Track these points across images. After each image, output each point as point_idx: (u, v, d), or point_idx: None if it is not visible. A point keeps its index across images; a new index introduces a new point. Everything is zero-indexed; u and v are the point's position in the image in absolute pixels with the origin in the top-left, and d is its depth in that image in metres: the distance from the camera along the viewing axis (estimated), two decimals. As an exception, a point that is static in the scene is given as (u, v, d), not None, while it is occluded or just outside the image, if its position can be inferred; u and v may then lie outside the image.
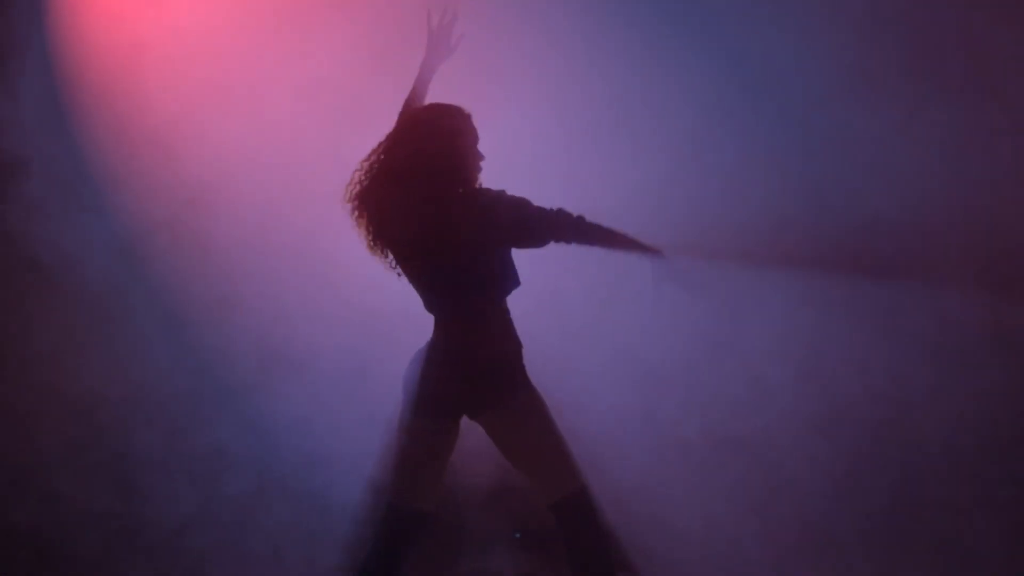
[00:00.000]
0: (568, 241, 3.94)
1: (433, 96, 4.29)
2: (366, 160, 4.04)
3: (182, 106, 5.45)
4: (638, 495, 5.36)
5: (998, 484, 5.34)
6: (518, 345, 4.05)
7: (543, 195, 4.11)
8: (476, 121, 4.09)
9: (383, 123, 4.32)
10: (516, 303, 4.12)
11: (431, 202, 3.89)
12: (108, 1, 5.42)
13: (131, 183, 5.44)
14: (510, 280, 4.00)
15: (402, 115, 4.11)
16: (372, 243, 4.01)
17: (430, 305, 4.04)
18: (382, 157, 3.99)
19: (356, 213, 4.02)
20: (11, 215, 5.33)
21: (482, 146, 4.11)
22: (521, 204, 3.91)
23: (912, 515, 5.36)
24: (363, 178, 4.01)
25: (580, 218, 3.92)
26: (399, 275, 4.08)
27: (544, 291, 5.28)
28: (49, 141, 5.34)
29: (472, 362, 3.96)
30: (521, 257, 4.07)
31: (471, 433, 4.24)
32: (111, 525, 5.32)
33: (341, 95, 5.49)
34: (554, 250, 5.02)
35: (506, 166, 4.26)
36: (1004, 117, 5.37)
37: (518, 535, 5.44)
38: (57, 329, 5.35)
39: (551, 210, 3.92)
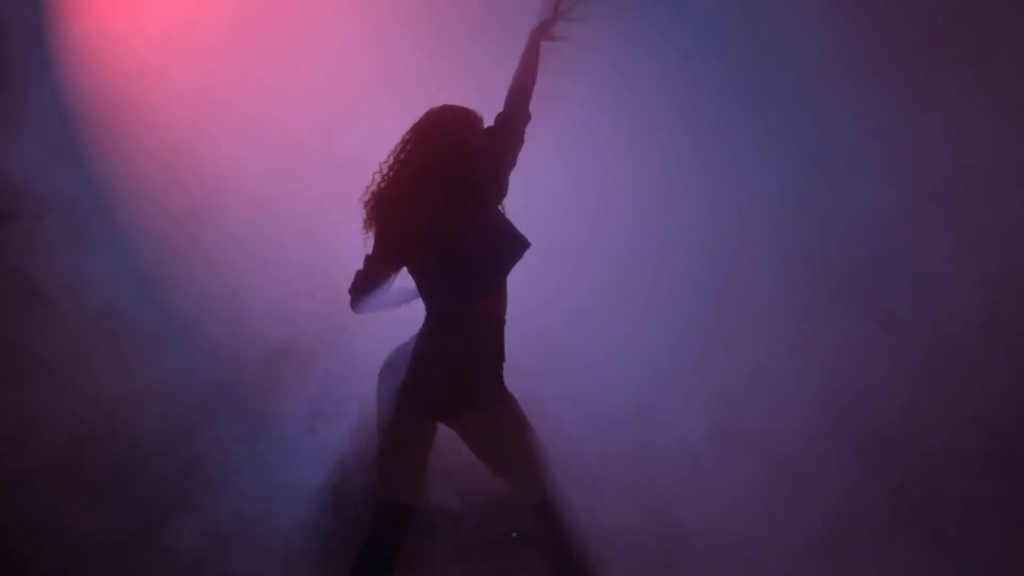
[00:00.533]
0: (520, 108, 3.96)
1: (437, 94, 4.29)
2: (384, 163, 4.06)
3: (180, 116, 5.43)
4: (639, 493, 5.36)
5: (1003, 480, 5.34)
6: (500, 356, 4.06)
7: (544, 193, 4.11)
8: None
9: (376, 122, 4.32)
10: (517, 302, 4.11)
11: (443, 199, 3.92)
12: (104, 23, 5.40)
13: (133, 193, 5.41)
14: (516, 243, 4.00)
15: (418, 122, 4.11)
16: (384, 246, 4.02)
17: (436, 301, 4.05)
18: (396, 163, 4.02)
19: (369, 217, 4.03)
20: (15, 228, 5.32)
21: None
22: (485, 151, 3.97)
23: (916, 511, 5.37)
24: (379, 183, 4.03)
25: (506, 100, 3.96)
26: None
27: (545, 290, 5.28)
28: (52, 157, 5.33)
29: (456, 363, 3.98)
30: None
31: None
32: (120, 524, 5.31)
33: (333, 95, 5.48)
34: (554, 248, 5.05)
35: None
36: (1006, 111, 5.37)
37: (515, 535, 5.45)
38: (66, 335, 5.33)
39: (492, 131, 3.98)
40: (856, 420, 5.45)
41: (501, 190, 4.00)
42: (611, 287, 5.45)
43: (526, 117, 4.02)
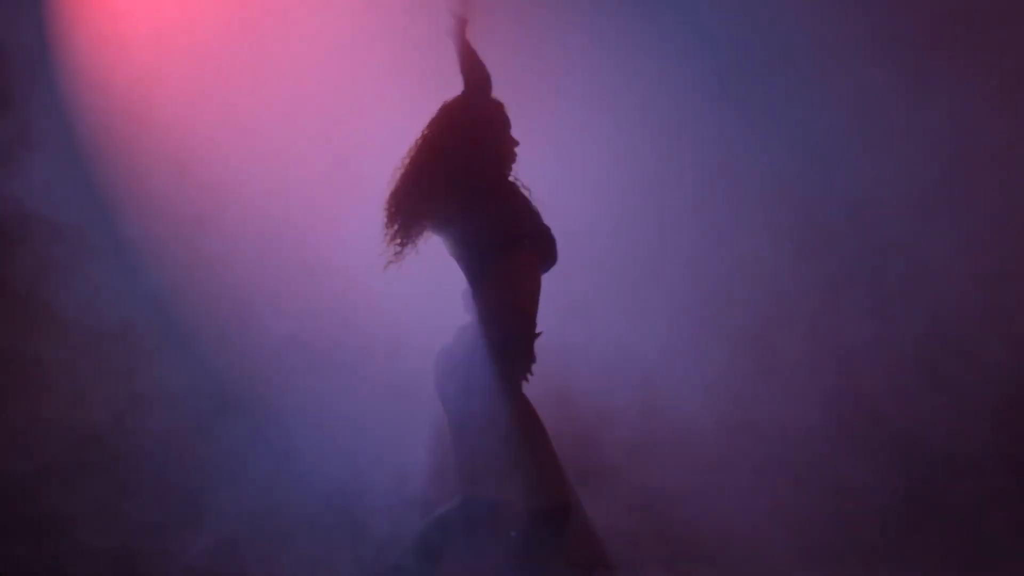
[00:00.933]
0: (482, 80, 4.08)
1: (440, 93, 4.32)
2: (404, 157, 4.07)
3: (181, 119, 5.42)
4: (643, 490, 5.35)
5: (1010, 476, 5.36)
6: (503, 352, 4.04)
7: (545, 187, 4.15)
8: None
9: (377, 121, 4.32)
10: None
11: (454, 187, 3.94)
12: (105, 36, 5.39)
13: (137, 197, 5.40)
14: (504, 234, 4.01)
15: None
16: (403, 238, 4.03)
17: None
18: (410, 158, 4.04)
19: (389, 214, 4.04)
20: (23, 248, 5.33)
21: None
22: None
23: (921, 507, 5.37)
24: (396, 180, 4.05)
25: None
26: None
27: (548, 284, 5.25)
28: (58, 174, 5.33)
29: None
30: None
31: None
32: (130, 521, 5.29)
33: (334, 95, 5.47)
34: (558, 244, 5.03)
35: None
36: (1004, 105, 5.38)
37: (515, 534, 5.43)
38: (72, 340, 5.32)
39: None
40: (862, 416, 5.46)
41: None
42: (615, 282, 5.44)
43: (486, 76, 4.11)
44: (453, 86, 4.49)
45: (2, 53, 5.26)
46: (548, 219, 4.23)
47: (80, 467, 5.28)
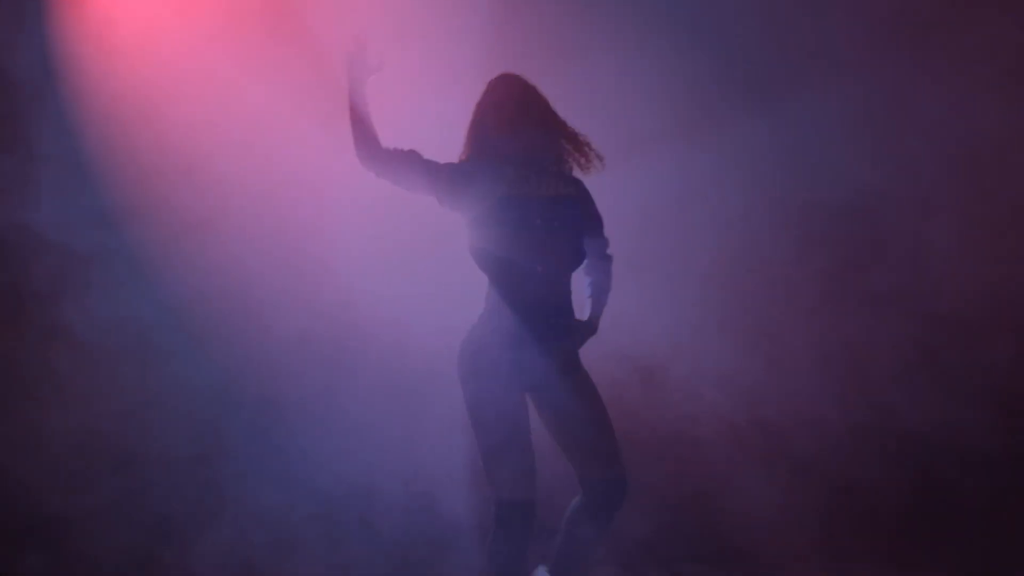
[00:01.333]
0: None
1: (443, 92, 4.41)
2: None
3: (185, 118, 5.48)
4: (649, 489, 5.34)
5: (1020, 472, 5.30)
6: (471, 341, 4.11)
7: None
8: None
9: (380, 122, 4.34)
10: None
11: None
12: (109, 49, 5.47)
13: (142, 201, 5.48)
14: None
15: None
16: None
17: None
18: None
19: None
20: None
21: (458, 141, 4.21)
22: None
23: (929, 503, 5.32)
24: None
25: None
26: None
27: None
28: (66, 193, 5.41)
29: None
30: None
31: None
32: (139, 522, 5.37)
33: (337, 95, 5.51)
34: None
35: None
36: (1008, 100, 5.31)
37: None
38: (78, 343, 5.42)
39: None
40: (870, 412, 5.43)
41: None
42: (617, 279, 5.43)
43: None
44: (455, 85, 4.52)
45: (5, 79, 5.35)
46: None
47: (90, 469, 5.36)
